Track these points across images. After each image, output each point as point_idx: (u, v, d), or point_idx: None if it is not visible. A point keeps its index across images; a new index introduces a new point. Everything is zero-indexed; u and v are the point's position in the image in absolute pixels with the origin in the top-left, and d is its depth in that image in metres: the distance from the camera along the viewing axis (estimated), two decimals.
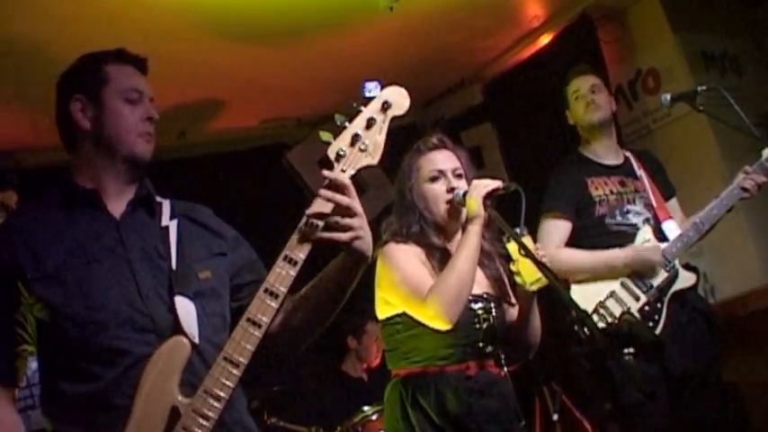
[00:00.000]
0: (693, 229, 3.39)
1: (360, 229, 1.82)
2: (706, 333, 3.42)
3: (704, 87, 3.54)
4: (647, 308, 3.32)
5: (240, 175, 5.33)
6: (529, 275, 2.46)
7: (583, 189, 3.50)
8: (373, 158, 1.87)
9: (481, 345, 2.60)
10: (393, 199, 2.84)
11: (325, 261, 1.93)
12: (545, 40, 5.18)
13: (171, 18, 3.96)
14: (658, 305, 3.34)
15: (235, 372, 1.75)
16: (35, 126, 4.36)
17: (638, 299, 3.33)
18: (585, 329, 2.15)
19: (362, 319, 4.93)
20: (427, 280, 2.56)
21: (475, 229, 2.55)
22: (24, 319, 1.83)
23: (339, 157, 1.84)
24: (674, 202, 3.65)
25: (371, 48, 4.71)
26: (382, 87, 1.91)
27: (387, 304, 2.70)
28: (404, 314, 2.64)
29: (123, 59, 2.00)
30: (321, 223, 1.80)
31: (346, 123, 1.87)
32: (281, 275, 1.80)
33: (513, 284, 2.65)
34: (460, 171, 2.73)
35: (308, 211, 1.81)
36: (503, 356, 2.65)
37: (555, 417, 4.40)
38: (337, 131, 1.87)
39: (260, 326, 1.77)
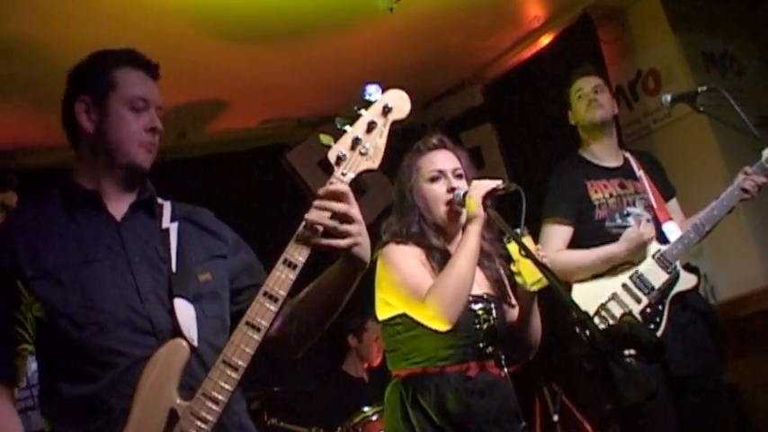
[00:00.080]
0: (694, 231, 3.38)
1: (358, 235, 1.81)
2: (707, 334, 3.42)
3: (704, 88, 3.54)
4: (648, 310, 3.31)
5: (240, 176, 5.33)
6: (529, 276, 2.46)
7: (582, 193, 3.49)
8: (374, 162, 1.87)
9: (481, 345, 2.60)
10: (393, 200, 2.84)
11: (324, 265, 1.92)
12: (545, 40, 5.18)
13: (171, 18, 3.95)
14: (660, 307, 3.32)
15: (234, 375, 1.74)
16: (35, 126, 4.36)
17: (639, 301, 3.32)
18: (586, 331, 2.14)
19: (363, 317, 4.93)
20: (427, 281, 2.56)
21: (475, 230, 2.54)
22: (24, 318, 1.82)
23: (339, 160, 1.84)
24: (674, 203, 3.64)
25: (372, 48, 4.70)
26: (383, 90, 1.90)
27: (387, 305, 2.69)
28: (404, 315, 2.63)
29: (134, 63, 1.97)
30: (320, 228, 1.80)
31: (347, 127, 1.86)
32: (281, 279, 1.79)
33: (514, 285, 2.65)
34: (461, 171, 2.73)
35: (307, 217, 1.80)
36: (503, 357, 2.64)
37: (555, 417, 4.40)
38: (338, 135, 1.86)
39: (259, 329, 1.77)
